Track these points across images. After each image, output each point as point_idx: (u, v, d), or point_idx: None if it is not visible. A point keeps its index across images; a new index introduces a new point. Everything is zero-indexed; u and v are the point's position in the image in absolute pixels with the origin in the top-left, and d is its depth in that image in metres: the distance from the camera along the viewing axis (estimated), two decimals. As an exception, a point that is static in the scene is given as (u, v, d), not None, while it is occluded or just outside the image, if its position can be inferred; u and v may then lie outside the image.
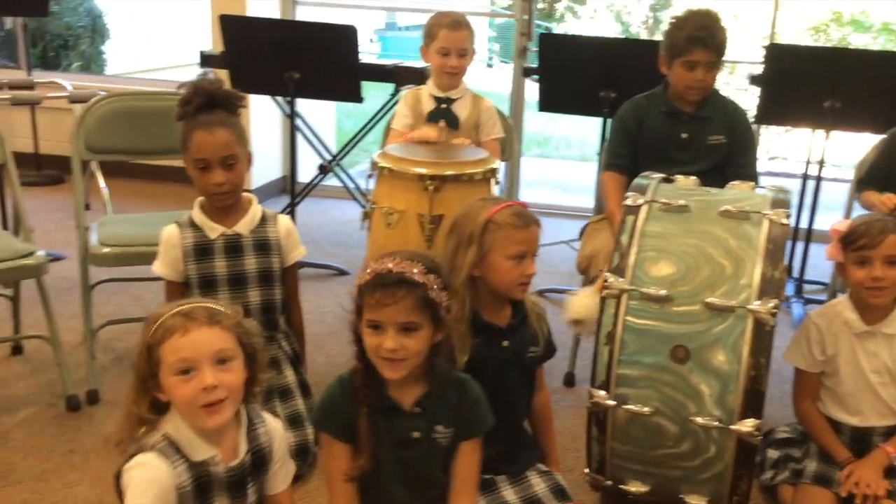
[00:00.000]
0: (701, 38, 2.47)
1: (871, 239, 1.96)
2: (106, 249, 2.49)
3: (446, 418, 1.63)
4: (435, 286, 1.56)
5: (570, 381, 2.80)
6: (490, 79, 12.34)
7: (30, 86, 4.36)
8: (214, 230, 2.07)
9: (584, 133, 8.87)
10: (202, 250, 2.07)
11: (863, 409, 2.01)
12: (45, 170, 4.73)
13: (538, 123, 8.73)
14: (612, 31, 20.17)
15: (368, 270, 1.56)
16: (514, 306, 1.92)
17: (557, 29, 19.67)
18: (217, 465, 1.44)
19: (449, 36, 2.76)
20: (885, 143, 2.63)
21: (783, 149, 7.63)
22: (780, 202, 1.94)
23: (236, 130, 2.03)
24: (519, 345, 1.90)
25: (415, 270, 1.54)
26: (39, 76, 4.73)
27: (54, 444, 2.29)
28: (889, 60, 3.92)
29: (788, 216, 1.89)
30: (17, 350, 2.80)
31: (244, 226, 2.08)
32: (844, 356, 2.02)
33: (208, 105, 2.01)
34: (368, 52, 14.68)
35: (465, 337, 1.80)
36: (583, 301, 2.03)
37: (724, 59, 2.54)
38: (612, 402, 1.81)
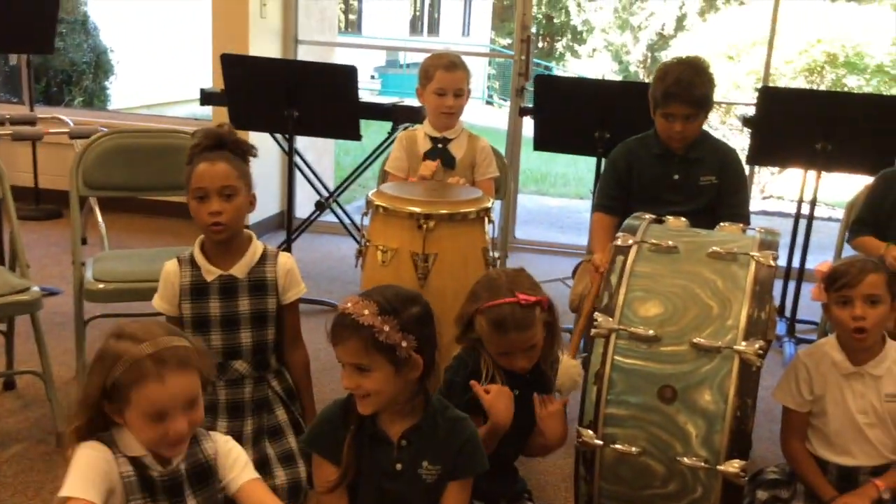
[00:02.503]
0: (676, 93, 2.51)
1: (852, 278, 1.98)
2: (100, 285, 2.51)
3: (434, 455, 1.64)
4: (386, 328, 1.54)
5: (562, 419, 2.80)
6: (490, 115, 12.47)
7: (32, 121, 4.41)
8: (211, 273, 2.06)
9: (580, 171, 8.95)
10: (198, 290, 2.07)
11: (850, 449, 2.02)
12: (43, 204, 4.77)
13: (536, 161, 8.81)
14: (610, 69, 20.45)
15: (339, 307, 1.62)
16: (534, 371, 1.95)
17: (557, 68, 19.94)
18: (151, 464, 1.45)
19: (445, 76, 2.81)
20: (875, 186, 2.65)
21: (778, 188, 7.69)
22: (767, 244, 1.97)
23: (239, 168, 2.05)
24: (529, 398, 1.92)
25: (365, 312, 1.55)
26: (42, 112, 4.79)
27: (43, 480, 2.29)
28: (879, 103, 3.98)
29: (776, 258, 1.91)
30: (9, 385, 2.80)
31: (241, 268, 2.07)
32: (832, 396, 2.03)
33: (216, 147, 2.05)
34: (369, 90, 14.87)
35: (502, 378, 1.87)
36: (564, 370, 2.04)
37: (706, 109, 2.57)
38: (599, 442, 1.82)
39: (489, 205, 2.48)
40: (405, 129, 3.29)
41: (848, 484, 2.01)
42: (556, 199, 7.90)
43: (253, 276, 2.08)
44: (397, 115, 3.69)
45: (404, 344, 1.56)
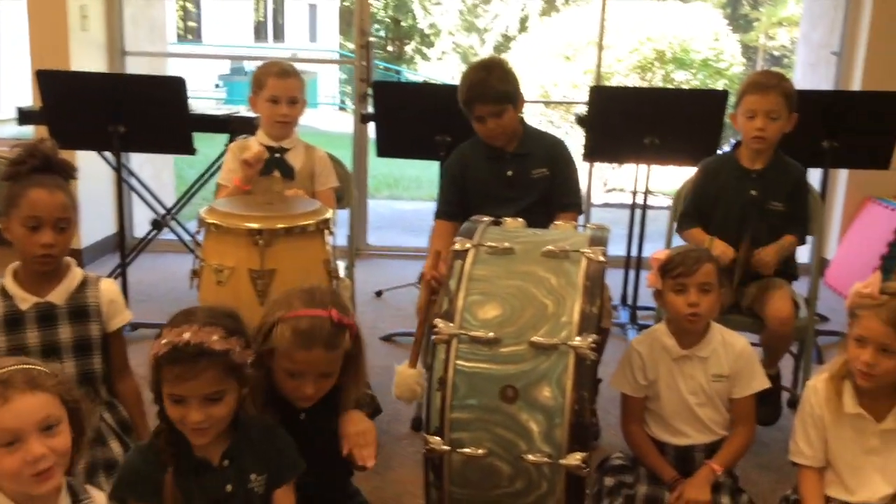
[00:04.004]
0: (474, 96, 2.63)
1: (688, 268, 2.08)
2: None
3: (257, 466, 1.63)
4: (237, 348, 1.52)
5: (417, 425, 2.80)
6: (344, 121, 12.38)
7: None
8: (26, 301, 1.95)
9: (433, 173, 9.01)
10: (13, 321, 1.95)
11: (684, 429, 2.12)
12: None
13: (388, 165, 8.81)
14: (460, 71, 20.79)
15: (164, 341, 1.49)
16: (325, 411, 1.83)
17: (408, 71, 20.06)
18: None
19: (278, 84, 2.75)
20: (697, 177, 2.79)
21: (619, 181, 8.04)
22: (597, 240, 2.03)
23: (72, 197, 1.98)
24: (321, 418, 1.83)
25: (214, 338, 1.49)
26: None
27: None
28: (700, 97, 4.24)
29: (605, 253, 1.98)
30: None
31: (59, 294, 1.97)
32: (664, 380, 2.13)
33: (43, 168, 1.94)
34: (214, 99, 14.43)
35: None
36: (402, 379, 2.04)
37: (513, 102, 2.64)
38: (447, 448, 1.82)
39: (328, 216, 2.45)
40: (243, 138, 3.18)
41: (685, 463, 2.11)
42: (410, 202, 7.94)
43: (73, 302, 1.98)
44: (233, 127, 3.58)
45: (249, 360, 1.55)
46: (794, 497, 2.01)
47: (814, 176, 3.26)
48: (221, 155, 3.71)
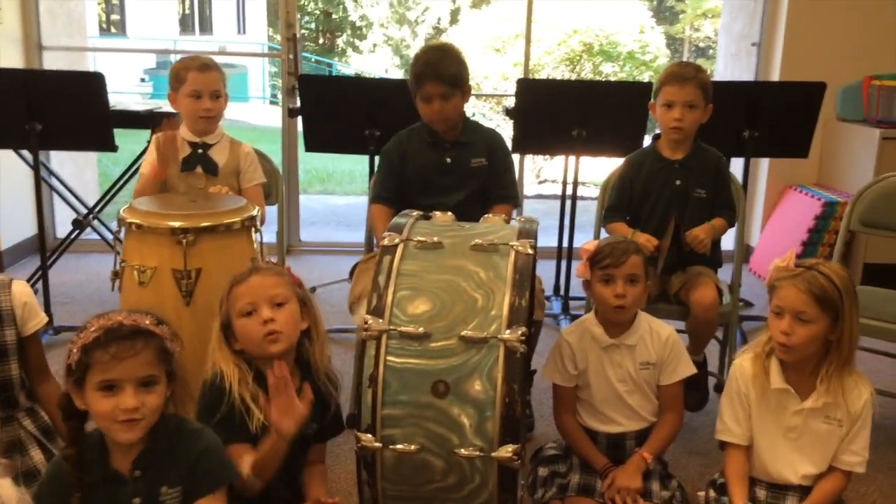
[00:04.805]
0: (427, 73, 2.61)
1: (615, 259, 2.11)
2: None
3: (171, 477, 1.55)
4: (168, 337, 1.54)
5: (352, 422, 2.76)
6: (275, 115, 12.21)
7: None
8: None
9: (366, 167, 8.96)
10: (-78, 331, 1.86)
11: (614, 416, 2.15)
12: None
13: (321, 159, 8.72)
14: (392, 64, 20.68)
15: (94, 329, 1.47)
16: (302, 375, 1.87)
17: (339, 64, 19.86)
18: None
19: (199, 78, 2.69)
20: (622, 172, 2.82)
21: (552, 172, 8.12)
22: (525, 232, 2.04)
23: None
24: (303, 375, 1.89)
25: (147, 322, 1.51)
26: None
27: None
28: (625, 89, 4.30)
29: (533, 245, 1.98)
30: None
31: None
32: (594, 369, 2.15)
33: None
34: (140, 94, 14.06)
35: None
36: None
37: (461, 87, 2.65)
38: (378, 445, 1.81)
39: (254, 213, 2.40)
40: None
41: (616, 451, 2.15)
42: (343, 196, 7.88)
43: None
44: (155, 122, 3.49)
45: (176, 355, 1.54)
46: (721, 480, 2.06)
47: (736, 165, 3.34)
48: (143, 152, 3.62)
